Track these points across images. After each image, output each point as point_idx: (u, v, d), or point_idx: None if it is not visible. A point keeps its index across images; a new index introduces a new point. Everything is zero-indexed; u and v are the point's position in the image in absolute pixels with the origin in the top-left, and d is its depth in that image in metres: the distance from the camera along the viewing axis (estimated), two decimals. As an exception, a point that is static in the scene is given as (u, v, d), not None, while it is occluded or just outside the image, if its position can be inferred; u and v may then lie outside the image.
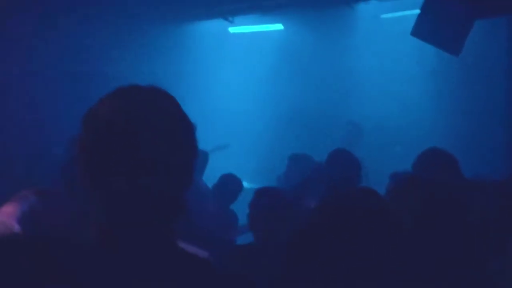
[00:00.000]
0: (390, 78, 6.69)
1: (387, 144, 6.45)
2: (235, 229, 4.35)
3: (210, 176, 4.66)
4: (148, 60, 6.48)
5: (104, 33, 5.89)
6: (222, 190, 4.44)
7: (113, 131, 1.04)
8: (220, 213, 4.34)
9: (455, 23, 4.13)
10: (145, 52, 6.50)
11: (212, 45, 7.41)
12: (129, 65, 6.22)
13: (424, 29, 4.22)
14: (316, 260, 1.40)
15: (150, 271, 1.04)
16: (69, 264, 1.02)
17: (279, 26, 7.53)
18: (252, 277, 1.17)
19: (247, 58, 7.46)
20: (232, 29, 7.63)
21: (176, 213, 1.09)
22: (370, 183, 4.34)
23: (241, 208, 4.43)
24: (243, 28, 7.58)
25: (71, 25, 5.54)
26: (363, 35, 6.79)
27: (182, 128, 1.10)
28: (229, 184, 4.45)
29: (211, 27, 7.45)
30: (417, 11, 4.49)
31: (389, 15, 6.69)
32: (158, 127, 1.05)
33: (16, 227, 1.70)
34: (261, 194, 3.09)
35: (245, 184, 4.70)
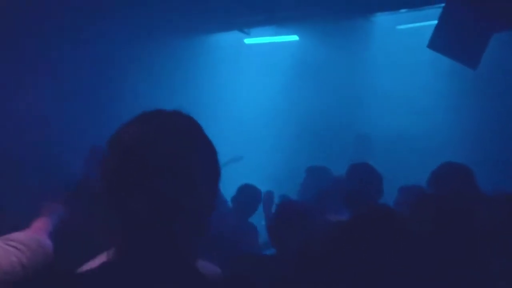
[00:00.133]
0: (406, 89, 6.66)
1: (403, 155, 6.42)
2: (256, 243, 4.24)
3: (226, 186, 4.66)
4: (166, 71, 6.55)
5: (123, 45, 5.97)
6: (241, 202, 4.31)
7: (136, 157, 1.05)
8: (241, 226, 4.24)
9: (472, 36, 4.11)
10: (163, 63, 6.57)
11: (228, 56, 7.46)
12: (147, 76, 6.30)
13: (441, 41, 4.20)
14: (338, 274, 1.41)
15: None
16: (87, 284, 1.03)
17: (294, 37, 7.56)
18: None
19: (262, 69, 7.50)
20: (247, 40, 7.68)
21: (197, 236, 1.11)
22: (384, 194, 4.32)
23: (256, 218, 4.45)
24: (259, 39, 7.63)
25: (90, 36, 5.61)
26: (379, 46, 6.78)
27: (205, 154, 1.12)
28: (249, 196, 4.34)
29: (227, 38, 7.51)
30: (434, 22, 4.48)
31: (405, 26, 6.68)
32: (181, 154, 1.06)
33: (48, 244, 1.71)
34: (282, 209, 3.09)
35: None
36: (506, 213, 2.14)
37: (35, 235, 1.68)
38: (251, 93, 7.50)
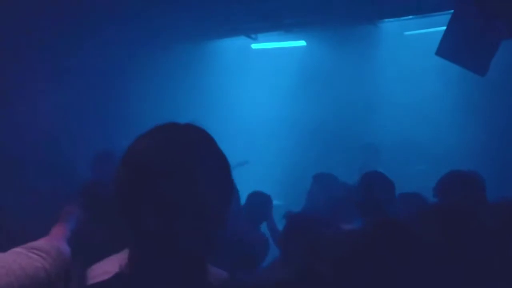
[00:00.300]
0: (414, 95, 6.64)
1: (411, 162, 6.40)
2: (265, 251, 4.13)
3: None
4: (173, 76, 6.58)
5: (131, 49, 6.00)
6: (251, 209, 4.23)
7: (149, 170, 1.06)
8: (251, 233, 4.13)
9: (481, 43, 4.09)
10: (170, 68, 6.60)
11: (235, 61, 7.48)
12: (155, 80, 6.33)
13: (449, 48, 4.19)
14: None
15: None
16: None
17: (301, 43, 7.57)
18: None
19: (269, 74, 7.51)
20: (254, 46, 7.70)
21: (209, 249, 1.10)
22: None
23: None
24: (266, 44, 7.64)
25: (97, 40, 5.65)
26: (387, 52, 6.78)
27: (218, 167, 1.12)
28: (258, 203, 4.27)
29: (234, 43, 7.54)
30: (441, 28, 4.47)
31: (413, 32, 6.67)
32: (194, 167, 1.06)
33: (67, 250, 1.76)
34: (292, 222, 3.08)
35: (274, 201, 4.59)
36: (508, 220, 2.13)
37: (54, 243, 1.75)
38: (258, 98, 7.51)
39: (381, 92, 6.87)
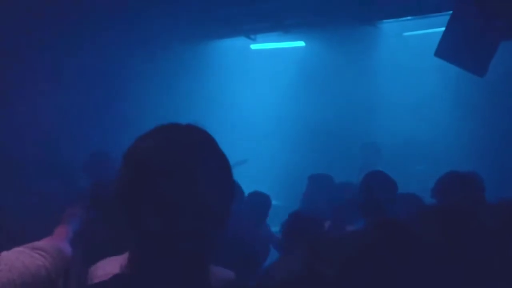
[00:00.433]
0: (413, 96, 6.65)
1: (410, 162, 6.41)
2: (267, 252, 4.16)
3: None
4: (172, 76, 6.58)
5: (130, 50, 6.00)
6: (251, 209, 4.24)
7: (150, 170, 1.06)
8: (253, 234, 4.12)
9: (480, 44, 4.10)
10: (170, 69, 6.60)
11: (234, 62, 7.49)
12: (155, 80, 6.33)
13: (448, 49, 4.19)
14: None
15: None
16: None
17: (300, 43, 7.57)
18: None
19: (268, 74, 7.52)
20: (254, 46, 7.70)
21: (209, 250, 1.11)
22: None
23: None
24: (265, 45, 7.65)
25: (95, 41, 5.65)
26: (386, 53, 6.78)
27: (219, 168, 1.12)
28: (258, 203, 4.29)
29: (233, 44, 7.54)
30: (440, 29, 4.47)
31: (412, 33, 6.68)
32: (195, 169, 1.06)
33: (68, 250, 1.81)
34: (293, 220, 3.09)
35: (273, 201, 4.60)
36: (507, 220, 2.14)
37: (56, 243, 1.81)
38: (257, 98, 7.52)
39: (380, 93, 6.87)
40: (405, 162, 6.34)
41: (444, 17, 4.57)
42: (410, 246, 1.45)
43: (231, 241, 3.07)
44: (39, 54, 5.29)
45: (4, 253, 1.57)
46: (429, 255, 1.47)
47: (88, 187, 2.73)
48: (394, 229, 1.50)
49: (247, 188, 4.57)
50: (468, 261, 1.68)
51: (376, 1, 5.84)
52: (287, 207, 4.13)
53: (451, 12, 4.43)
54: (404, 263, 1.40)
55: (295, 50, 7.62)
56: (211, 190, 1.08)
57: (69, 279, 1.73)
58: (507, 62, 5.54)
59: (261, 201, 4.33)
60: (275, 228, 4.34)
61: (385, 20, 6.54)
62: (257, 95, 7.52)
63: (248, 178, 5.78)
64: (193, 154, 1.08)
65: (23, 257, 1.58)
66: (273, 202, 4.49)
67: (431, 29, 5.83)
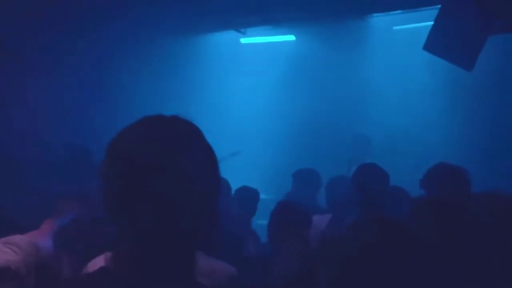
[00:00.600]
0: (402, 90, 6.68)
1: (399, 156, 6.44)
2: (257, 246, 4.16)
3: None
4: (162, 70, 6.55)
5: (118, 44, 5.96)
6: (240, 204, 4.26)
7: (135, 161, 1.05)
8: (242, 228, 4.12)
9: (468, 38, 4.12)
10: (158, 63, 6.57)
11: (224, 56, 7.47)
12: (142, 75, 6.30)
13: (436, 43, 4.21)
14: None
15: None
16: None
17: (291, 37, 7.57)
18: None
19: (258, 68, 7.51)
20: (244, 40, 7.68)
21: (197, 244, 1.10)
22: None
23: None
24: (255, 39, 7.64)
25: (85, 37, 5.61)
26: (375, 47, 6.80)
27: (205, 159, 1.11)
28: (247, 198, 4.30)
29: (223, 38, 7.52)
30: (430, 23, 4.49)
31: (402, 27, 6.70)
32: (181, 159, 1.06)
33: (45, 246, 1.80)
34: (281, 208, 3.10)
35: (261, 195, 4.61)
36: (494, 211, 2.16)
37: (31, 239, 1.81)
38: (247, 92, 7.51)
39: (370, 87, 6.90)
40: (394, 155, 6.37)
41: (434, 11, 4.58)
42: (406, 242, 1.45)
43: (220, 236, 3.08)
44: (28, 51, 5.23)
45: None
46: (424, 250, 1.48)
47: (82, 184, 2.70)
48: (390, 226, 1.50)
49: (237, 181, 4.58)
50: (460, 252, 1.69)
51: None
52: (276, 201, 4.15)
53: (440, 6, 4.44)
54: (401, 259, 1.41)
55: (285, 44, 7.61)
56: (198, 182, 1.07)
57: (46, 274, 1.71)
58: (496, 56, 5.60)
59: (249, 196, 4.32)
60: (264, 221, 4.36)
61: (374, 14, 6.55)
62: (247, 89, 7.51)
63: (237, 172, 5.80)
64: (180, 146, 1.07)
65: None
66: (262, 196, 4.49)
67: (421, 23, 5.85)
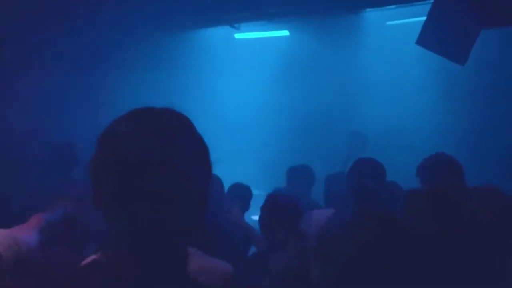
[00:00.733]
0: (397, 85, 6.68)
1: (394, 151, 6.45)
2: (250, 242, 4.19)
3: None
4: (155, 66, 6.53)
5: (115, 39, 5.93)
6: (233, 200, 4.28)
7: (126, 153, 1.03)
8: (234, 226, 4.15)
9: (460, 32, 4.13)
10: (152, 59, 6.54)
11: (218, 51, 7.45)
12: (137, 70, 6.27)
13: (429, 38, 4.21)
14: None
15: None
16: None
17: (285, 33, 7.56)
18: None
19: (253, 64, 7.50)
20: (238, 35, 7.67)
21: (188, 237, 1.09)
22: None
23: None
24: (249, 34, 7.62)
25: (80, 30, 5.57)
26: (369, 42, 6.79)
27: (197, 151, 1.10)
28: (240, 193, 4.33)
29: (217, 33, 7.50)
30: (423, 18, 4.49)
31: (396, 22, 6.70)
32: (172, 151, 1.04)
33: (27, 241, 1.79)
34: (271, 200, 3.10)
35: (254, 191, 4.64)
36: (491, 208, 2.17)
37: (13, 233, 1.79)
38: (241, 87, 7.50)
39: (364, 82, 6.90)
40: (388, 150, 6.38)
41: (427, 6, 4.58)
42: (403, 239, 1.45)
43: (213, 233, 3.08)
44: (18, 48, 5.20)
45: None
46: (421, 245, 1.48)
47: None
48: (387, 223, 1.49)
49: (231, 177, 4.58)
50: (457, 247, 1.70)
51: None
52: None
53: (432, 0, 4.45)
54: (398, 255, 1.41)
55: (280, 39, 7.60)
56: (189, 172, 1.06)
57: (24, 268, 1.71)
58: (489, 49, 5.61)
59: (242, 193, 4.35)
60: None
61: (368, 9, 6.55)
62: (241, 85, 7.50)
63: (233, 168, 5.79)
64: (170, 136, 1.06)
65: None
66: (256, 192, 4.51)
67: (414, 18, 5.85)
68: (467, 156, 4.67)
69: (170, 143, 1.05)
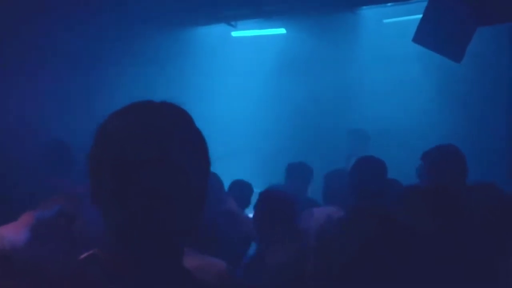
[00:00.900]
0: (393, 83, 6.69)
1: (391, 149, 6.45)
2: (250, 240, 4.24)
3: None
4: (151, 64, 6.51)
5: (110, 37, 5.91)
6: (234, 196, 4.28)
7: (124, 147, 1.02)
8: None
9: (457, 29, 4.13)
10: (148, 56, 6.52)
11: (215, 49, 7.44)
12: (132, 69, 6.25)
13: (425, 35, 4.22)
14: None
15: None
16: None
17: (281, 31, 7.56)
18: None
19: (249, 62, 7.49)
20: (234, 33, 7.66)
21: (185, 232, 1.07)
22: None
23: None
24: (246, 32, 7.61)
25: (76, 27, 5.54)
26: (366, 40, 6.80)
27: (196, 145, 1.09)
28: (240, 191, 4.34)
29: (213, 31, 7.49)
30: (420, 16, 4.50)
31: (392, 20, 6.70)
32: (171, 144, 1.03)
33: (11, 239, 1.79)
34: (265, 196, 3.10)
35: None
36: (485, 202, 2.18)
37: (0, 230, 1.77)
38: (238, 85, 7.49)
39: (361, 80, 6.91)
40: (385, 148, 6.38)
41: (424, 4, 4.58)
42: (403, 237, 1.45)
43: (213, 230, 3.08)
44: (12, 47, 5.17)
45: None
46: (420, 243, 1.48)
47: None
48: (387, 221, 1.49)
49: (229, 175, 4.58)
50: (456, 244, 1.70)
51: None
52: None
53: (429, -2, 4.45)
54: (398, 253, 1.41)
55: (276, 37, 7.60)
56: (189, 167, 1.04)
57: (8, 265, 1.70)
58: (486, 47, 5.62)
59: (243, 190, 4.37)
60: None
61: (364, 7, 6.55)
62: (238, 83, 7.49)
63: (230, 166, 5.79)
64: (170, 130, 1.04)
65: None
66: (255, 190, 4.51)
67: (411, 16, 5.85)
68: (464, 153, 4.68)
69: (169, 137, 1.04)
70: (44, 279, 1.01)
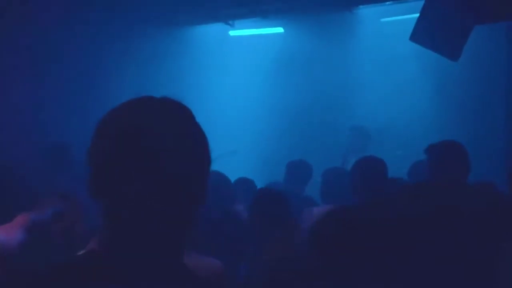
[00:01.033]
0: (391, 82, 6.70)
1: (388, 148, 6.46)
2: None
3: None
4: (149, 63, 6.51)
5: (108, 37, 5.90)
6: (238, 193, 4.14)
7: (125, 142, 1.02)
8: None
9: (453, 28, 4.14)
10: (146, 56, 6.52)
11: (212, 48, 7.43)
12: (131, 68, 6.25)
13: (422, 34, 4.23)
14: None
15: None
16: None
17: (279, 30, 7.56)
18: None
19: (247, 61, 7.49)
20: (232, 32, 7.66)
21: (185, 227, 1.07)
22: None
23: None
24: (244, 31, 7.61)
25: (74, 26, 5.54)
26: (363, 39, 6.81)
27: (196, 141, 1.09)
28: (245, 187, 4.30)
29: (211, 30, 7.48)
30: (417, 15, 4.51)
31: (389, 19, 6.71)
32: (171, 140, 1.03)
33: (8, 240, 1.78)
34: (259, 196, 3.10)
35: None
36: (482, 201, 2.18)
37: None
38: (236, 85, 7.49)
39: (358, 78, 6.91)
40: (383, 147, 6.39)
41: (421, 3, 4.59)
42: (401, 236, 1.46)
43: (216, 226, 3.08)
44: (8, 46, 5.16)
45: None
46: (417, 245, 1.48)
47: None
48: (386, 221, 1.49)
49: (229, 173, 4.57)
50: (453, 245, 1.71)
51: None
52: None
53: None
54: (395, 253, 1.41)
55: (274, 36, 7.60)
56: (189, 162, 1.04)
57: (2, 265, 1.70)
58: (484, 46, 5.63)
59: (247, 186, 4.34)
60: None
61: (362, 6, 6.56)
62: (236, 82, 7.49)
63: (230, 165, 5.79)
64: (170, 125, 1.05)
65: None
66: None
67: (408, 15, 5.86)
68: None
69: (170, 131, 1.04)
70: (37, 279, 1.01)
